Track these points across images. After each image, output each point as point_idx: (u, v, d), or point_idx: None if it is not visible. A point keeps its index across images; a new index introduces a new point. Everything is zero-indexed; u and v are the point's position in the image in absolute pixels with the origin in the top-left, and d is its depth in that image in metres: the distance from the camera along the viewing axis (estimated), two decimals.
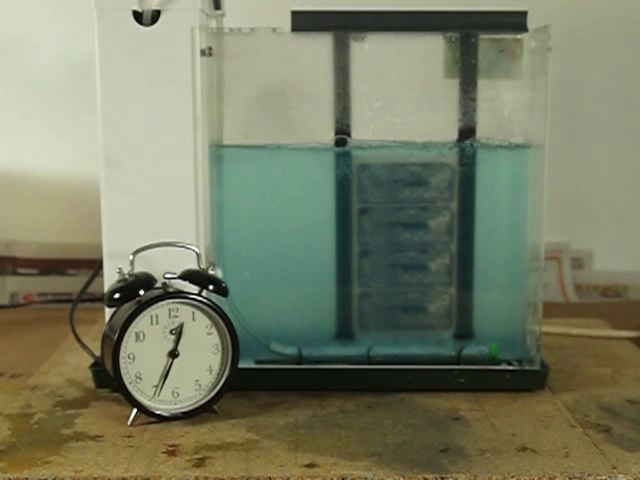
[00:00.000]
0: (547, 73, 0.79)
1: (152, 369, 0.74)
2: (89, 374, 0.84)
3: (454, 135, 0.82)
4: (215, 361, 0.76)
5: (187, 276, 0.76)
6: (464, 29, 0.80)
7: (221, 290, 0.76)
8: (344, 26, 0.81)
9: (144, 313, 0.74)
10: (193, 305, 0.75)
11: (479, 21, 0.81)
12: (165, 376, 0.74)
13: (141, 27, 0.78)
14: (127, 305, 0.75)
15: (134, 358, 0.74)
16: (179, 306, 0.75)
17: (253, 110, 0.83)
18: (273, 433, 0.72)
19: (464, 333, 0.85)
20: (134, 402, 0.74)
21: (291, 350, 0.85)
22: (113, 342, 0.73)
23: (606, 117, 1.28)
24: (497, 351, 0.84)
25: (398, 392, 0.81)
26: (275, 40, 0.81)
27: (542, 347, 0.83)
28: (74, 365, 0.91)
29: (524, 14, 0.81)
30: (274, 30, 0.80)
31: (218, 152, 0.83)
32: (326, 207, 0.84)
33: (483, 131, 0.82)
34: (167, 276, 0.75)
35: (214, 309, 0.75)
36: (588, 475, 0.64)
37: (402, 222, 0.84)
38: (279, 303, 0.85)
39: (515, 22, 0.80)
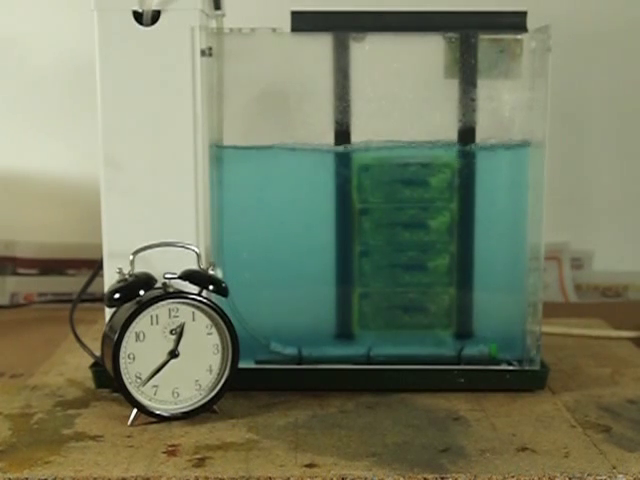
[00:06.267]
0: (547, 73, 0.79)
1: (152, 369, 0.74)
2: (89, 374, 0.84)
3: (454, 135, 0.82)
4: (215, 361, 0.76)
5: (187, 276, 0.76)
6: (464, 29, 0.80)
7: (221, 290, 0.76)
8: (344, 26, 0.81)
9: (144, 313, 0.74)
10: (193, 305, 0.75)
11: (479, 21, 0.81)
12: (156, 372, 0.74)
13: (141, 27, 0.78)
14: (127, 305, 0.75)
15: (134, 358, 0.74)
16: (179, 306, 0.75)
17: (253, 110, 0.83)
18: (273, 433, 0.72)
19: (464, 333, 0.85)
20: (134, 402, 0.74)
21: (291, 350, 0.85)
22: (113, 342, 0.73)
23: (606, 117, 1.28)
24: (497, 351, 0.84)
25: (398, 392, 0.81)
26: (275, 40, 0.81)
27: (542, 347, 0.83)
28: (74, 365, 0.91)
29: (524, 14, 0.81)
30: (274, 30, 0.80)
31: (218, 152, 0.83)
32: (326, 207, 0.84)
33: (483, 131, 0.82)
34: (167, 276, 0.75)
35: (214, 309, 0.75)
36: (588, 475, 0.64)
37: (402, 222, 0.84)
38: (279, 303, 0.85)
39: (515, 22, 0.80)
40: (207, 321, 0.76)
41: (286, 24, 0.80)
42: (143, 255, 0.77)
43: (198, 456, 0.67)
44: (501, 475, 0.64)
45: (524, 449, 0.69)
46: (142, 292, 0.75)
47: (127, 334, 0.73)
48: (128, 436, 0.72)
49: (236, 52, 0.81)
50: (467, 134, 0.82)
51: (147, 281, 0.76)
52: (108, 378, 0.77)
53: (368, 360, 0.85)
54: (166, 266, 0.76)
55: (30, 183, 1.27)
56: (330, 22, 0.81)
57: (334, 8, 0.80)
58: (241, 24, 0.81)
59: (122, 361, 0.73)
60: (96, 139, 0.79)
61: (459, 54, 0.81)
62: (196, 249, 0.78)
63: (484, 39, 0.81)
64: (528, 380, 0.83)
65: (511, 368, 0.83)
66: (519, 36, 0.80)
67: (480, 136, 0.82)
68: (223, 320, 0.75)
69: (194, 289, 0.75)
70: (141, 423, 0.74)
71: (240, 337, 0.76)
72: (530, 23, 0.80)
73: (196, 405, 0.75)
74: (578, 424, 0.74)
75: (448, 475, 0.64)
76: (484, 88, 0.81)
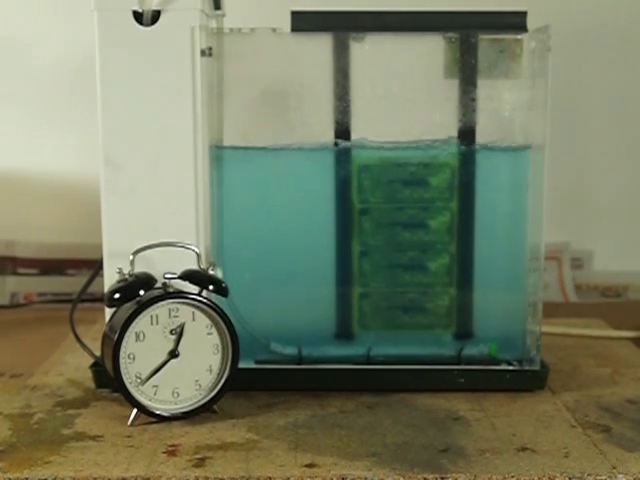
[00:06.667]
0: (547, 73, 0.79)
1: (152, 369, 0.74)
2: (89, 374, 0.84)
3: (454, 135, 0.82)
4: (215, 361, 0.76)
5: (187, 276, 0.76)
6: (464, 29, 0.80)
7: (221, 290, 0.76)
8: (344, 26, 0.81)
9: (144, 313, 0.74)
10: (193, 305, 0.75)
11: (479, 21, 0.81)
12: (156, 371, 0.74)
13: (141, 27, 0.78)
14: (127, 305, 0.75)
15: (134, 358, 0.74)
16: (179, 306, 0.75)
17: (253, 110, 0.83)
18: (273, 433, 0.72)
19: (464, 333, 0.85)
20: (134, 402, 0.74)
21: (291, 350, 0.85)
22: (113, 342, 0.73)
23: (606, 117, 1.28)
24: (497, 351, 0.84)
25: (398, 392, 0.81)
26: (275, 40, 0.81)
27: (542, 347, 0.83)
28: (74, 365, 0.91)
29: (524, 14, 0.81)
30: (274, 30, 0.80)
31: (218, 152, 0.83)
32: (326, 207, 0.84)
33: (483, 131, 0.82)
34: (167, 276, 0.75)
35: (214, 309, 0.75)
36: (588, 475, 0.64)
37: (402, 222, 0.84)
38: (279, 303, 0.85)
39: (515, 22, 0.80)
40: (207, 321, 0.76)
41: (286, 24, 0.80)
42: (143, 255, 0.77)
43: (198, 456, 0.67)
44: (501, 475, 0.64)
45: (524, 449, 0.69)
46: (142, 292, 0.75)
47: (127, 334, 0.73)
48: (128, 436, 0.72)
49: (236, 52, 0.81)
50: (467, 134, 0.82)
51: (147, 281, 0.76)
52: (108, 378, 0.77)
53: (368, 360, 0.85)
54: (166, 266, 0.76)
55: (30, 183, 1.27)
56: (330, 22, 0.81)
57: (334, 8, 0.80)
58: (241, 24, 0.81)
59: (122, 361, 0.73)
60: (96, 139, 0.79)
61: (459, 54, 0.81)
62: (196, 249, 0.78)
63: (484, 39, 0.81)
64: (528, 380, 0.83)
65: (511, 368, 0.83)
66: (519, 36, 0.80)
67: (480, 136, 0.82)
68: (223, 320, 0.75)
69: (194, 289, 0.75)
70: (141, 423, 0.74)
71: (240, 337, 0.76)
72: (530, 23, 0.80)
73: (196, 405, 0.75)
74: (578, 424, 0.74)
75: (448, 475, 0.64)
76: (484, 88, 0.81)
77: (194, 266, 0.77)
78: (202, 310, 0.75)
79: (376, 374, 0.83)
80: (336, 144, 0.83)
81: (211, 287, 0.76)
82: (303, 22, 0.80)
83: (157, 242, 0.78)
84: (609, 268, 1.32)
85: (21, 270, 1.28)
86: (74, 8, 1.08)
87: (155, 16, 0.78)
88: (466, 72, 0.81)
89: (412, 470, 0.64)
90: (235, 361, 0.76)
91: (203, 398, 0.76)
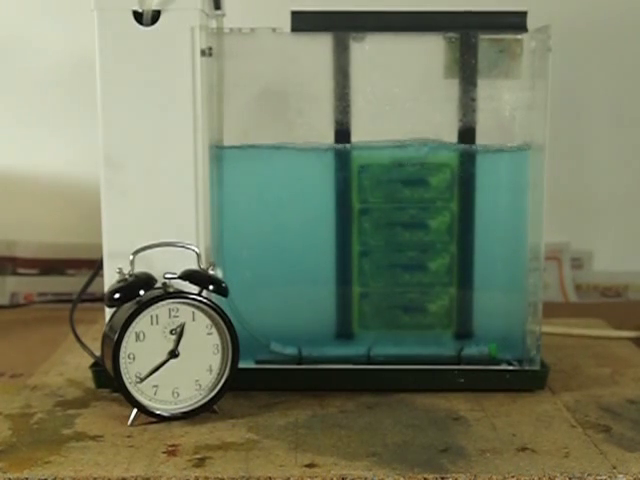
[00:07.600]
0: (547, 73, 0.79)
1: (152, 369, 0.74)
2: (89, 374, 0.84)
3: (454, 135, 0.82)
4: (215, 361, 0.76)
5: (187, 276, 0.76)
6: (464, 29, 0.80)
7: (221, 290, 0.76)
8: (344, 26, 0.81)
9: (144, 313, 0.74)
10: (193, 305, 0.75)
11: (479, 21, 0.81)
12: (155, 370, 0.74)
13: (141, 27, 0.78)
14: (127, 305, 0.75)
15: (134, 358, 0.74)
16: (179, 306, 0.75)
17: (253, 110, 0.83)
18: (273, 433, 0.72)
19: (464, 333, 0.85)
20: (134, 402, 0.74)
21: (291, 350, 0.85)
22: (113, 342, 0.73)
23: (606, 117, 1.28)
24: (497, 351, 0.84)
25: (398, 392, 0.81)
26: (275, 40, 0.81)
27: (542, 347, 0.83)
28: (74, 365, 0.91)
29: (524, 14, 0.81)
30: (274, 30, 0.80)
31: (218, 152, 0.83)
32: (326, 207, 0.84)
33: (483, 131, 0.82)
34: (167, 276, 0.75)
35: (214, 309, 0.75)
36: (588, 475, 0.64)
37: (402, 222, 0.84)
38: (279, 303, 0.85)
39: (515, 22, 0.80)
40: (207, 321, 0.76)
41: (286, 24, 0.80)
42: (143, 255, 0.77)
43: (198, 456, 0.67)
44: (501, 475, 0.64)
45: (524, 449, 0.69)
46: (142, 292, 0.75)
47: (127, 334, 0.73)
48: (128, 436, 0.72)
49: (236, 52, 0.81)
50: (467, 134, 0.82)
51: (147, 281, 0.76)
52: (108, 378, 0.77)
53: (368, 360, 0.85)
54: (166, 266, 0.76)
55: (30, 183, 1.27)
56: (330, 22, 0.81)
57: (334, 8, 0.80)
58: (241, 24, 0.81)
59: (122, 361, 0.73)
60: (96, 139, 0.79)
61: (459, 54, 0.81)
62: (196, 249, 0.78)
63: (484, 39, 0.81)
64: (528, 380, 0.83)
65: (511, 368, 0.83)
66: (519, 36, 0.80)
67: (480, 136, 0.82)
68: (223, 320, 0.75)
69: (194, 289, 0.75)
70: (141, 423, 0.74)
71: (240, 337, 0.76)
72: (530, 23, 0.80)
73: (196, 405, 0.75)
74: (578, 424, 0.74)
75: (448, 475, 0.64)
76: (484, 88, 0.81)
77: (194, 266, 0.77)
78: (202, 310, 0.75)
79: (376, 374, 0.83)
80: (336, 144, 0.83)
81: (211, 287, 0.76)
82: (303, 22, 0.80)
83: (157, 242, 0.78)
84: (609, 268, 1.32)
85: (21, 270, 1.28)
86: (74, 8, 1.08)
87: (155, 16, 0.78)
88: (466, 72, 0.81)
89: (412, 470, 0.65)
90: (235, 361, 0.76)
91: (203, 398, 0.76)
